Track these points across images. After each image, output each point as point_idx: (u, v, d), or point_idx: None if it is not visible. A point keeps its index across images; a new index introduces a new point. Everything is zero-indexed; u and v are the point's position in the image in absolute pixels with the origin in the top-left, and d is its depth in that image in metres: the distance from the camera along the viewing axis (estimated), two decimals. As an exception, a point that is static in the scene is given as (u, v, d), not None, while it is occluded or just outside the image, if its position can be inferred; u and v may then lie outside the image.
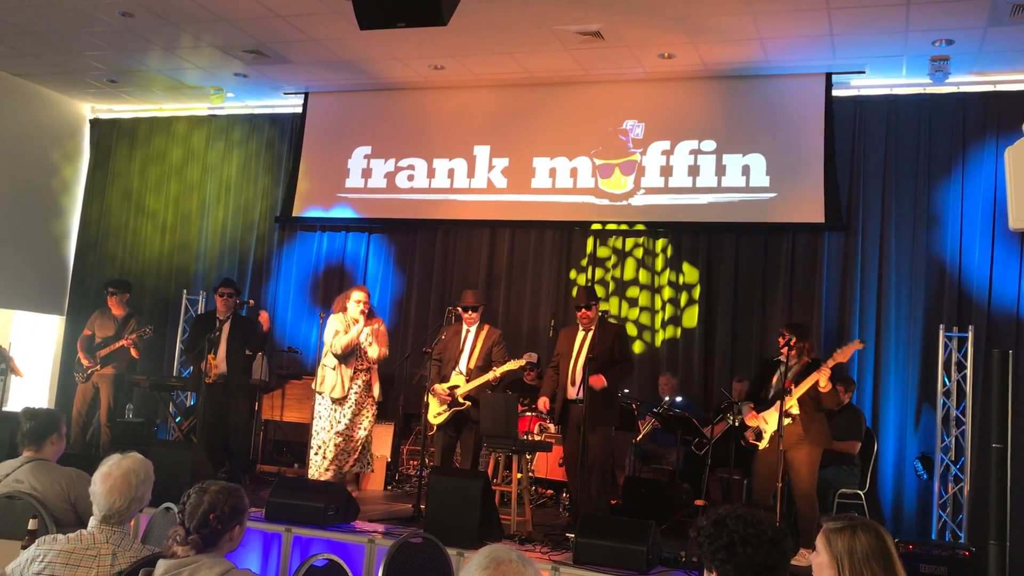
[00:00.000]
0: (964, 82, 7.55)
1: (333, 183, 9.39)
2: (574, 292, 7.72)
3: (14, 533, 3.25)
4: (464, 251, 9.05)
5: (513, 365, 6.32)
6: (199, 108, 10.28)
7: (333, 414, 6.48)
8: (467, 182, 8.88)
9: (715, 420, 6.65)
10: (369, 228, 9.39)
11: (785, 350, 5.75)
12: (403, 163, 9.15)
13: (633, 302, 8.36)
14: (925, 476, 7.19)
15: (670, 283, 8.23)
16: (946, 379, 7.15)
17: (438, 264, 9.09)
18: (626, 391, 7.35)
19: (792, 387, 5.61)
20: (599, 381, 5.89)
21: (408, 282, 9.20)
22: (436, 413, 6.41)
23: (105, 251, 10.41)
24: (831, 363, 5.53)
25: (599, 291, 8.20)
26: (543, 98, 8.67)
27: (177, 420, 8.56)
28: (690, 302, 8.17)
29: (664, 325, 8.22)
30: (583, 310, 6.17)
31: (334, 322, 6.59)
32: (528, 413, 7.38)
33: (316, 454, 6.47)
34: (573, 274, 8.58)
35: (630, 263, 8.43)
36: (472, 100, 8.97)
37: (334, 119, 9.49)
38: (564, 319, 7.88)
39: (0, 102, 9.62)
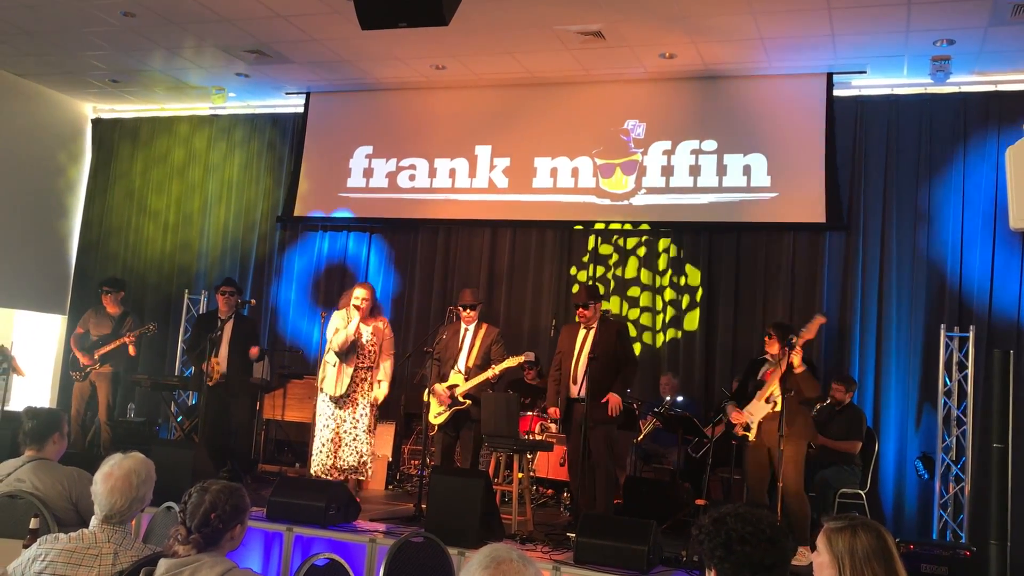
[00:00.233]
0: (965, 82, 7.54)
1: (335, 183, 9.39)
2: (574, 289, 7.71)
3: (16, 532, 3.25)
4: (465, 251, 9.05)
5: (512, 362, 6.31)
6: (201, 108, 10.28)
7: (335, 412, 6.49)
8: (468, 182, 8.88)
9: (715, 420, 6.65)
10: (371, 228, 9.39)
11: (769, 349, 5.85)
12: (404, 163, 9.15)
13: (634, 302, 8.36)
14: (926, 476, 7.18)
15: (672, 284, 8.23)
16: (947, 379, 7.14)
17: (439, 264, 9.08)
18: (628, 391, 7.34)
19: (768, 379, 5.73)
20: (615, 402, 5.95)
21: (409, 281, 9.20)
22: (436, 413, 6.41)
23: (107, 251, 10.42)
24: (800, 341, 5.60)
25: (600, 289, 8.19)
26: (544, 98, 8.67)
27: (179, 419, 8.58)
28: (691, 302, 8.17)
29: (665, 326, 8.22)
30: (582, 309, 6.17)
31: (335, 319, 6.61)
32: (528, 413, 7.38)
33: (318, 452, 6.48)
34: (574, 270, 8.59)
35: (632, 261, 8.43)
36: (473, 100, 8.96)
37: (335, 119, 9.49)
38: (565, 319, 7.87)
39: (1, 102, 9.64)
